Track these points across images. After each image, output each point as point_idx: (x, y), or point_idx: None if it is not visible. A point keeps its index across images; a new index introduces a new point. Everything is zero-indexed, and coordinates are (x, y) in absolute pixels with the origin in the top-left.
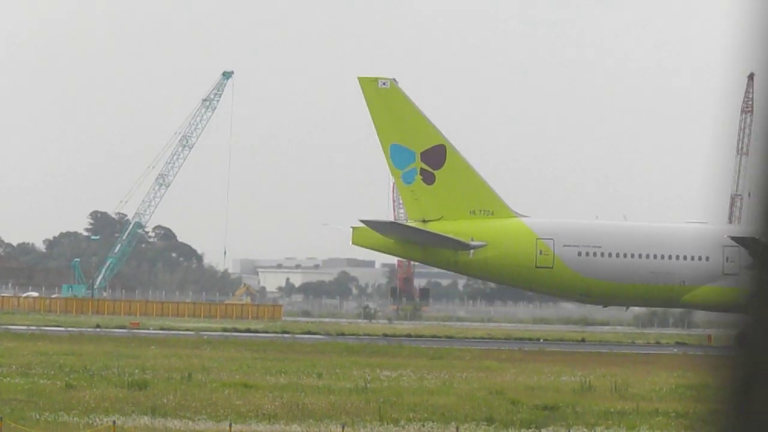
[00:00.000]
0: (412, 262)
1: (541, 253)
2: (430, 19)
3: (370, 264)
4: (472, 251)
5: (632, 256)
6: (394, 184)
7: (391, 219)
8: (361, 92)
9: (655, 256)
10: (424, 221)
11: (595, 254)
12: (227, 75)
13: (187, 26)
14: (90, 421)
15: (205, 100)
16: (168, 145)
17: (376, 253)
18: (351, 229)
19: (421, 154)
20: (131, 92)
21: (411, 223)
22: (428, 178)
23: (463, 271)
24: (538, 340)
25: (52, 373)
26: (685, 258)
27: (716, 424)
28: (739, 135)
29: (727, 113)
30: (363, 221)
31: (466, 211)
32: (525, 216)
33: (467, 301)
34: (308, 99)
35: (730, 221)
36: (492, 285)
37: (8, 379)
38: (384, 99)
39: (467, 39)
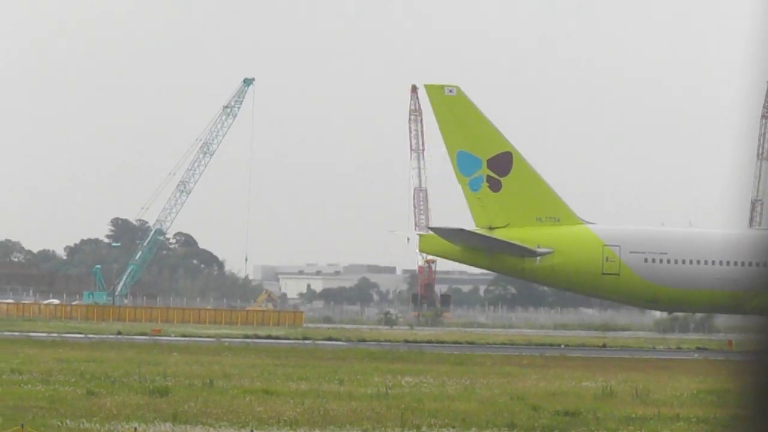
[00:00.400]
0: (433, 268)
1: (607, 259)
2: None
3: (391, 270)
4: (538, 258)
5: (698, 262)
6: (416, 189)
7: (413, 225)
8: (428, 99)
9: (721, 263)
10: (490, 228)
11: (661, 261)
12: (248, 82)
13: (208, 33)
14: (111, 428)
15: (226, 107)
16: (189, 152)
17: (397, 258)
18: (418, 237)
19: (487, 161)
20: (152, 99)
21: (477, 231)
22: (495, 185)
23: (529, 278)
24: (560, 345)
25: (74, 380)
26: (750, 264)
27: (738, 430)
28: (759, 140)
29: (748, 118)
30: (431, 228)
31: (532, 217)
32: (591, 223)
33: (488, 307)
34: (329, 105)
35: (751, 226)
36: (513, 291)
37: (29, 386)
38: (450, 106)
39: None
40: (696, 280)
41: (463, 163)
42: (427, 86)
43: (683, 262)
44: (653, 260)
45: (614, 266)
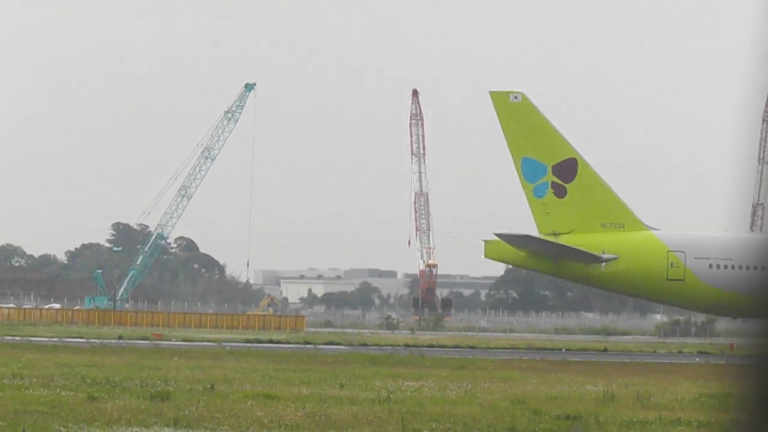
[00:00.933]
0: (434, 272)
1: (672, 265)
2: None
3: (392, 274)
4: (603, 264)
5: (764, 268)
6: (417, 193)
7: (413, 229)
8: (492, 106)
9: None
10: (554, 234)
11: (726, 266)
12: (250, 87)
13: (210, 38)
14: None
15: (227, 112)
16: (190, 157)
17: (398, 263)
18: (483, 243)
19: (552, 167)
20: (153, 104)
21: (541, 237)
22: (560, 192)
23: (594, 284)
24: (561, 350)
25: (75, 384)
26: None
27: None
28: (760, 144)
29: (749, 122)
30: (497, 234)
31: (597, 223)
32: (656, 228)
33: (489, 311)
34: (330, 109)
35: (752, 230)
36: (514, 295)
37: (31, 390)
38: (515, 113)
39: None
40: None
41: (528, 170)
42: (492, 93)
43: (748, 267)
44: (718, 266)
45: (679, 272)
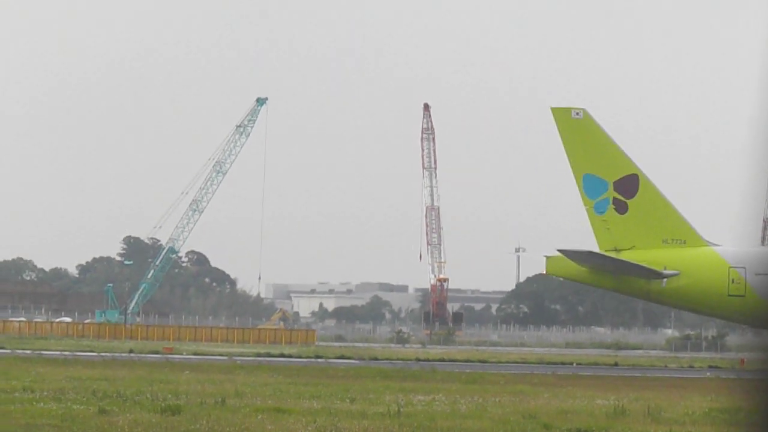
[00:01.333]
0: (445, 286)
1: (733, 281)
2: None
3: (403, 288)
4: (664, 280)
5: None
6: (428, 208)
7: (424, 243)
8: (554, 122)
9: None
10: (615, 250)
11: None
12: (261, 101)
13: (221, 53)
14: None
15: (239, 126)
16: (202, 171)
17: (409, 277)
18: (545, 258)
19: (614, 183)
20: (165, 118)
21: (603, 253)
22: (621, 208)
23: (655, 300)
24: (572, 364)
25: (86, 398)
26: None
27: None
28: None
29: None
30: (560, 250)
31: (658, 240)
32: (717, 245)
33: (500, 326)
34: (341, 124)
35: (763, 244)
36: (525, 309)
37: (41, 404)
38: (577, 129)
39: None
40: None
41: (589, 186)
42: (553, 109)
43: None
44: None
45: (740, 288)
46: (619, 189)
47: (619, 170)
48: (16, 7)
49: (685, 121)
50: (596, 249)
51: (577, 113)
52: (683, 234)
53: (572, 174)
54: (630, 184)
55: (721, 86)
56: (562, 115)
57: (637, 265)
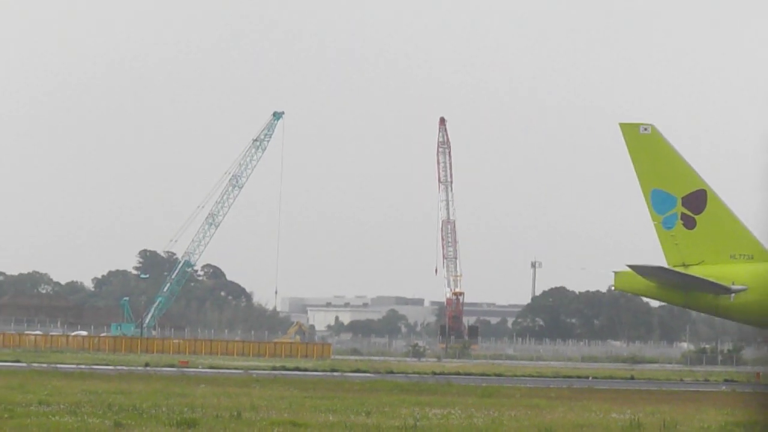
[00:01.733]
0: (461, 300)
1: None
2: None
3: (419, 302)
4: (732, 295)
5: None
6: (444, 221)
7: (440, 257)
8: (623, 138)
9: None
10: (684, 265)
11: None
12: (278, 116)
13: (238, 67)
14: None
15: (255, 140)
16: (218, 185)
17: (425, 290)
18: (613, 273)
19: (682, 199)
20: (182, 132)
21: (672, 268)
22: (689, 223)
23: (723, 315)
24: (587, 377)
25: (101, 411)
26: None
27: None
28: None
29: None
30: (629, 265)
31: (726, 255)
32: None
33: (516, 339)
34: (358, 137)
35: None
36: (540, 323)
37: (57, 417)
38: (645, 145)
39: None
40: None
41: (658, 202)
42: (622, 125)
43: None
44: None
45: None
46: (687, 204)
47: (687, 186)
48: (16, 7)
49: (685, 120)
50: (661, 264)
51: (645, 129)
52: (751, 249)
53: (640, 189)
54: (698, 200)
55: (721, 86)
56: (630, 130)
57: (706, 280)
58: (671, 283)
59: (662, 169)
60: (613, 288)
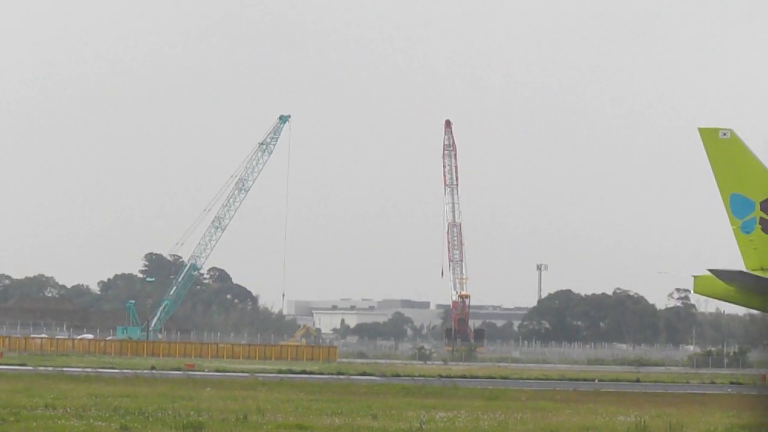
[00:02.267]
0: (467, 303)
1: None
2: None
3: (425, 305)
4: None
5: None
6: (450, 224)
7: (446, 260)
8: (701, 143)
9: None
10: (763, 269)
11: None
12: (284, 119)
13: (244, 70)
14: None
15: (261, 143)
16: (224, 188)
17: (431, 293)
18: (692, 278)
19: (760, 203)
20: (187, 135)
21: (754, 272)
22: (767, 228)
23: None
24: (593, 380)
25: (108, 415)
26: None
27: None
28: None
29: None
30: (710, 270)
31: None
32: None
33: (522, 342)
34: (363, 141)
35: None
36: (547, 326)
37: (63, 421)
38: (724, 149)
39: None
40: None
41: (737, 206)
42: (701, 130)
43: None
44: None
45: None
46: (765, 209)
47: (766, 190)
48: (16, 7)
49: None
50: (740, 267)
51: (724, 133)
52: None
53: (719, 194)
54: None
55: (728, 93)
56: (709, 135)
57: None
58: (751, 287)
59: (741, 174)
60: (692, 292)
